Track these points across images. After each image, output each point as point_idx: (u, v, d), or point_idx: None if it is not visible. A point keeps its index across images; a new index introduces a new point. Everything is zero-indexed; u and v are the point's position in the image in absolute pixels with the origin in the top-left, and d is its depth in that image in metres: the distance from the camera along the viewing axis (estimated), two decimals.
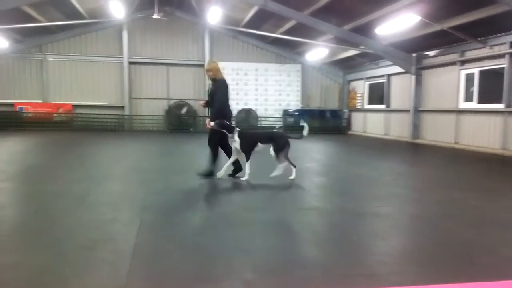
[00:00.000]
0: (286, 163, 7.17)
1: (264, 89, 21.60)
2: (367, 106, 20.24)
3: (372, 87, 20.02)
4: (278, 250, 3.73)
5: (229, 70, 21.16)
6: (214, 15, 16.50)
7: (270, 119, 21.35)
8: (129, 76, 20.22)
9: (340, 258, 3.59)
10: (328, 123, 21.02)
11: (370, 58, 18.30)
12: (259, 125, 21.00)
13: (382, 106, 18.63)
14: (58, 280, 3.00)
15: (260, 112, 21.40)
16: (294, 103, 21.73)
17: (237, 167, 7.32)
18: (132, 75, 20.36)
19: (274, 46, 21.11)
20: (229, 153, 7.32)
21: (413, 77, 15.89)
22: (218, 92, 7.14)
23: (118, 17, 17.38)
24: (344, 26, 15.16)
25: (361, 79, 20.47)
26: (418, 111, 15.99)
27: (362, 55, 18.00)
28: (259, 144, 7.18)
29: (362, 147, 14.80)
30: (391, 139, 17.20)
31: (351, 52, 17.79)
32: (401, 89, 17.29)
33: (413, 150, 13.97)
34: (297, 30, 16.84)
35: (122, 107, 20.17)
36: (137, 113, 20.38)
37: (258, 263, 3.39)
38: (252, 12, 16.65)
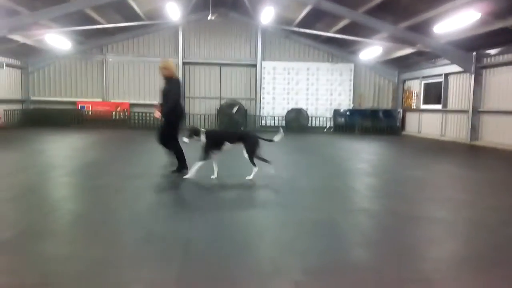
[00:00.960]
0: (257, 168, 6.99)
1: (315, 89, 21.44)
2: (422, 106, 19.57)
3: (428, 87, 19.33)
4: (328, 251, 3.70)
5: (280, 70, 21.21)
6: (267, 15, 16.58)
7: (321, 118, 21.16)
8: (184, 76, 20.75)
9: (392, 262, 3.51)
10: (381, 123, 20.50)
11: (426, 57, 17.69)
12: (309, 125, 20.88)
13: (439, 106, 17.95)
14: (114, 271, 3.14)
15: (311, 111, 21.26)
16: (345, 103, 21.41)
17: (182, 166, 7.37)
18: (186, 75, 20.88)
19: (326, 45, 20.90)
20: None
21: (472, 76, 15.18)
22: (173, 90, 7.19)
23: (174, 19, 17.87)
24: (399, 24, 14.74)
25: (417, 78, 19.82)
26: (477, 112, 15.27)
27: (418, 54, 17.43)
28: (227, 143, 7.12)
29: (416, 148, 14.34)
30: (447, 141, 16.53)
31: (407, 51, 17.27)
32: (459, 88, 16.59)
33: (471, 152, 13.36)
34: (350, 28, 16.58)
35: None
36: (191, 112, 20.86)
37: (308, 264, 3.38)
38: (305, 12, 16.58)
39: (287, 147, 13.98)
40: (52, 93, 20.20)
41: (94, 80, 20.49)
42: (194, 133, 7.01)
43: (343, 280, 3.10)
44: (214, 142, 7.03)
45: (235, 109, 20.41)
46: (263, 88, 21.27)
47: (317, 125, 21.03)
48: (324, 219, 4.76)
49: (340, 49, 20.92)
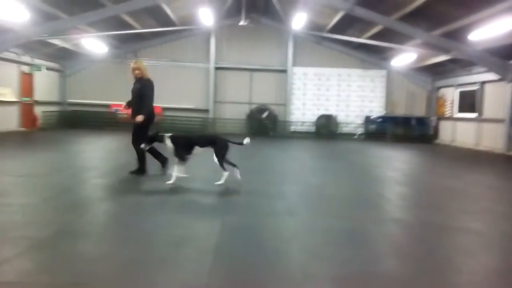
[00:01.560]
0: (228, 172, 6.88)
1: (346, 95, 21.26)
2: (457, 115, 19.09)
3: (463, 95, 18.84)
4: (357, 260, 3.65)
5: (311, 75, 21.15)
6: (299, 21, 16.58)
7: (351, 125, 20.94)
8: (215, 80, 20.96)
9: (424, 274, 3.43)
10: (414, 131, 20.11)
11: (461, 64, 17.27)
12: (339, 132, 20.70)
13: (474, 115, 17.47)
14: (146, 272, 3.20)
15: (341, 118, 21.08)
16: (377, 110, 21.13)
17: (141, 168, 7.52)
18: (217, 80, 21.09)
19: (358, 51, 20.71)
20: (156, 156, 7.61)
21: (510, 84, 14.72)
22: (147, 91, 7.28)
23: (207, 24, 18.11)
24: (434, 31, 14.46)
25: (451, 85, 19.35)
26: None
27: (453, 61, 17.04)
28: (197, 148, 7.03)
29: (450, 157, 13.99)
30: (482, 150, 16.06)
31: (441, 58, 16.91)
32: (496, 97, 16.10)
33: (508, 162, 12.93)
34: (383, 35, 16.38)
35: (207, 110, 20.95)
36: (220, 117, 21.03)
37: (337, 272, 3.35)
38: (337, 17, 16.49)
39: (316, 153, 13.90)
40: (88, 96, 20.76)
41: (128, 83, 20.86)
42: (155, 139, 6.95)
43: None
44: (182, 146, 6.93)
45: (265, 114, 20.46)
46: (293, 93, 21.25)
47: (348, 131, 20.81)
48: (353, 227, 4.71)
49: (372, 55, 20.69)
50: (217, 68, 21.03)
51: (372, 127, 20.53)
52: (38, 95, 18.52)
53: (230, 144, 7.10)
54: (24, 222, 4.47)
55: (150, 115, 7.36)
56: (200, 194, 6.27)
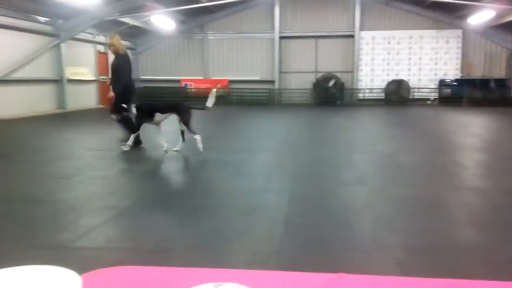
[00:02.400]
0: (199, 136, 6.87)
1: (418, 58, 20.22)
2: None
3: None
4: (432, 230, 3.55)
5: (380, 39, 20.30)
6: None
7: (424, 90, 19.97)
8: (280, 50, 20.79)
9: (504, 244, 3.27)
10: (493, 94, 18.78)
11: None
12: (411, 97, 19.84)
13: None
14: (219, 240, 3.33)
15: (413, 82, 20.14)
16: (452, 72, 19.93)
17: (135, 140, 7.35)
18: (282, 50, 20.89)
19: (431, 11, 19.47)
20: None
21: None
22: (122, 67, 7.22)
23: None
24: None
25: None
26: None
27: None
28: (158, 114, 6.99)
29: None
30: None
31: None
32: None
33: None
34: None
35: (272, 82, 20.92)
36: (285, 87, 20.92)
37: (411, 242, 3.29)
38: None
39: (386, 121, 13.47)
40: (158, 72, 21.50)
41: (196, 58, 21.39)
42: (122, 110, 7.02)
43: (449, 260, 2.96)
44: (144, 113, 7.03)
45: (331, 83, 20.05)
46: (361, 59, 20.57)
47: (420, 97, 19.89)
48: (428, 197, 4.55)
49: (446, 14, 19.37)
50: (281, 38, 20.80)
51: (447, 91, 19.44)
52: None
53: (192, 110, 7.20)
54: (106, 193, 4.81)
55: (126, 89, 7.32)
56: (263, 165, 6.36)
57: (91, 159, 6.81)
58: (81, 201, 4.44)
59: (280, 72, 20.96)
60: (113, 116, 7.13)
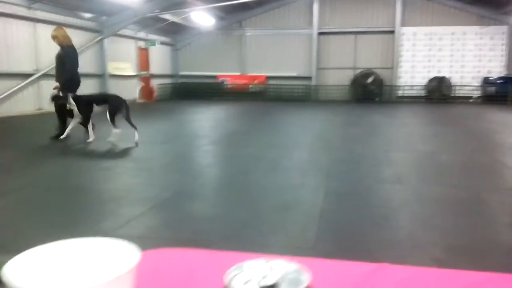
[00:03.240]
0: (119, 130, 7.14)
1: (460, 55, 19.58)
2: None
3: None
4: (472, 230, 3.46)
5: (421, 35, 19.79)
6: None
7: (467, 88, 19.32)
8: (318, 46, 20.62)
9: None
10: None
11: None
12: (453, 95, 19.25)
13: None
14: (255, 234, 3.38)
15: (455, 80, 19.53)
16: (496, 70, 19.18)
17: (61, 131, 7.49)
18: (320, 46, 20.71)
19: (474, 7, 18.78)
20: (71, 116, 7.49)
21: None
22: (67, 59, 7.22)
23: None
24: None
25: None
26: None
27: None
28: (95, 106, 7.22)
29: None
30: None
31: None
32: None
33: None
34: None
35: (310, 78, 20.79)
36: (323, 83, 20.75)
37: (450, 242, 3.22)
38: None
39: (427, 118, 13.15)
40: (197, 68, 21.78)
41: (233, 54, 21.53)
42: (60, 99, 7.24)
43: (489, 261, 2.89)
44: (84, 105, 7.24)
45: (370, 79, 19.72)
46: (401, 56, 20.11)
47: (462, 94, 19.27)
48: (468, 196, 4.44)
49: (491, 10, 18.64)
50: (320, 34, 20.61)
51: (491, 89, 18.72)
52: (153, 68, 19.89)
53: (123, 104, 7.37)
54: (147, 184, 4.95)
55: (71, 81, 7.38)
56: (298, 161, 6.36)
57: (133, 151, 7.01)
58: (122, 191, 4.59)
59: (318, 68, 20.79)
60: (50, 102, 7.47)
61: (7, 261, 0.93)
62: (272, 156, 6.58)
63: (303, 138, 8.82)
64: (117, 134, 7.13)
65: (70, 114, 7.43)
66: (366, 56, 20.46)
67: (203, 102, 18.46)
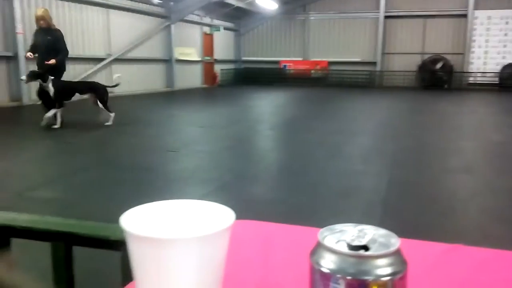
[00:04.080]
0: (113, 113, 7.47)
1: None
2: None
3: None
4: None
5: (497, 19, 18.54)
6: None
7: None
8: (384, 31, 19.95)
9: None
10: None
11: None
12: None
13: None
14: (316, 218, 3.40)
15: None
16: None
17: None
18: (386, 30, 20.02)
19: None
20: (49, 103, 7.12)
21: None
22: (63, 45, 7.07)
23: None
24: None
25: None
26: None
27: None
28: (77, 94, 7.21)
29: None
30: None
31: None
32: None
33: None
34: None
35: (374, 63, 20.21)
36: (388, 69, 20.09)
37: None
38: None
39: (500, 107, 12.40)
40: (259, 53, 21.87)
41: (296, 39, 21.36)
42: (39, 77, 6.84)
43: None
44: (64, 92, 7.05)
45: (439, 65, 18.83)
46: (474, 41, 18.97)
47: None
48: None
49: None
50: (386, 17, 19.90)
51: None
52: (217, 54, 20.22)
53: (107, 91, 7.56)
54: (210, 167, 5.10)
55: (62, 66, 7.26)
56: (361, 147, 6.25)
57: (196, 135, 7.23)
58: (187, 172, 4.77)
59: (383, 53, 20.15)
60: (23, 78, 7.04)
61: (95, 226, 1.02)
62: (333, 142, 6.53)
63: (366, 124, 8.65)
64: (113, 117, 7.50)
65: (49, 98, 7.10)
66: (435, 40, 19.52)
67: (265, 87, 18.54)
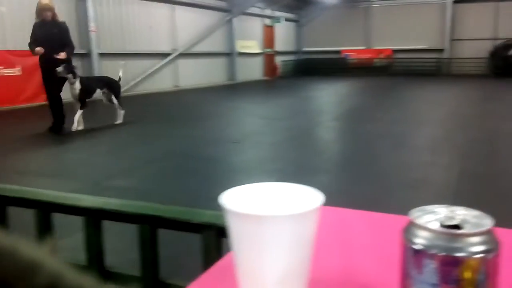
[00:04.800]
0: (123, 111, 7.06)
1: None
2: None
3: None
4: None
5: None
6: None
7: None
8: (452, 16, 18.95)
9: None
10: None
11: None
12: None
13: None
14: (384, 210, 3.34)
15: None
16: None
17: (60, 120, 6.37)
18: (455, 15, 19.01)
19: None
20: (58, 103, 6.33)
21: None
22: (69, 35, 6.37)
23: None
24: None
25: None
26: None
27: None
28: (98, 90, 6.72)
29: None
30: None
31: None
32: None
33: None
34: None
35: (441, 50, 19.29)
36: (457, 56, 19.10)
37: None
38: None
39: None
40: (320, 43, 21.59)
41: (359, 28, 20.85)
42: (71, 71, 6.24)
43: None
44: (88, 89, 6.56)
45: None
46: None
47: None
48: None
49: None
50: (455, 2, 18.87)
51: None
52: (278, 45, 20.22)
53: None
54: (273, 158, 5.16)
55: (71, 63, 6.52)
56: (428, 138, 6.02)
57: (258, 126, 7.31)
58: (251, 163, 4.86)
59: (451, 39, 19.16)
60: (60, 69, 6.08)
61: (178, 210, 1.08)
62: (398, 132, 6.35)
63: (433, 114, 8.31)
64: (123, 115, 7.11)
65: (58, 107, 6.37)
66: (509, 25, 18.22)
67: (326, 78, 18.32)
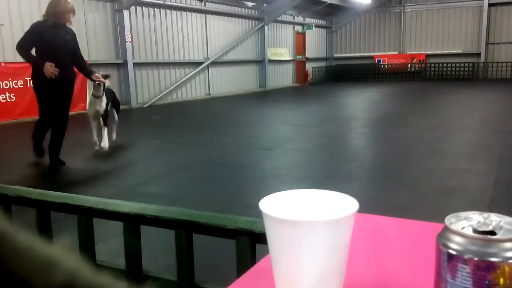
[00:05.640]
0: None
1: None
2: None
3: None
4: None
5: None
6: None
7: None
8: (488, 19, 18.45)
9: None
10: None
11: None
12: None
13: None
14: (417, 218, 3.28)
15: None
16: None
17: (57, 144, 4.92)
18: (491, 18, 18.50)
19: None
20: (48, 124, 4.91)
21: None
22: (77, 45, 4.98)
23: None
24: None
25: None
26: None
27: None
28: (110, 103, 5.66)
29: None
30: None
31: None
32: None
33: None
34: None
35: (477, 54, 18.79)
36: (493, 60, 18.55)
37: None
38: None
39: None
40: (352, 49, 21.42)
41: (391, 33, 20.58)
42: (104, 84, 5.30)
43: None
44: (109, 101, 5.62)
45: None
46: None
47: None
48: None
49: None
50: (491, 5, 18.37)
51: None
52: (309, 52, 20.18)
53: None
54: (304, 165, 5.17)
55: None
56: (463, 144, 5.87)
57: (289, 133, 7.32)
58: (282, 170, 4.87)
59: (487, 43, 18.63)
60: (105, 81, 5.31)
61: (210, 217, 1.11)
62: (432, 138, 6.22)
63: (468, 120, 8.11)
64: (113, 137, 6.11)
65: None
66: None
67: (358, 84, 18.14)
